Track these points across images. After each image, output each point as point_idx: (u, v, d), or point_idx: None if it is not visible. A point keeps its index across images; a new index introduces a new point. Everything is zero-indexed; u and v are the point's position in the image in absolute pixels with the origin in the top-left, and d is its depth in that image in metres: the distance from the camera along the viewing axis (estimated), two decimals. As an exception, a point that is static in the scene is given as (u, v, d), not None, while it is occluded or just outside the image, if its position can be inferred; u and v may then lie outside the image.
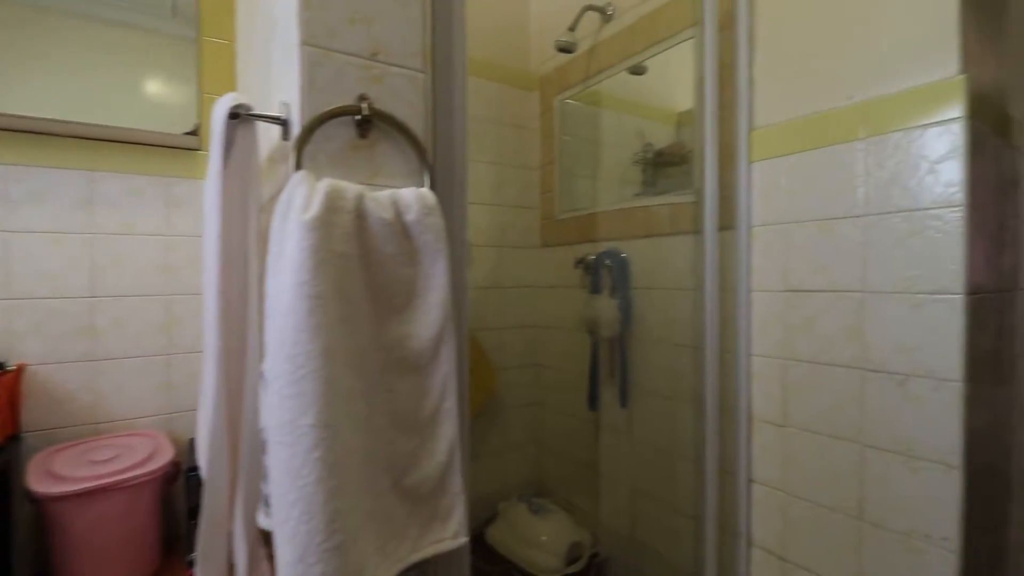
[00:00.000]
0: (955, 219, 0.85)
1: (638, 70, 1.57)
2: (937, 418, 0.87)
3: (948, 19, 0.87)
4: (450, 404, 0.58)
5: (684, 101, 1.43)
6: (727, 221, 1.18)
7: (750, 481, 1.17)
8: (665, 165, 1.62)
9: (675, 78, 1.46)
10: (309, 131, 0.54)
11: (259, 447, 0.51)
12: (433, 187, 0.61)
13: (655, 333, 1.41)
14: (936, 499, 0.88)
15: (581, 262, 1.60)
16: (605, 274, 1.49)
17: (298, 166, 0.52)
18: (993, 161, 0.95)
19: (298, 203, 0.49)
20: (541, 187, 1.86)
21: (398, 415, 0.56)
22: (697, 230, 1.22)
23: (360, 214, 0.53)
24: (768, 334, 1.12)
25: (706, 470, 1.20)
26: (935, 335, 0.87)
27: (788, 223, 1.08)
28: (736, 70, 1.17)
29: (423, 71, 0.64)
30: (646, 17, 1.44)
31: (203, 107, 1.34)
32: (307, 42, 0.56)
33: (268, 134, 0.65)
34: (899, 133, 0.91)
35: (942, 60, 0.87)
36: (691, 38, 1.32)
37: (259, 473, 0.51)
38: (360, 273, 0.53)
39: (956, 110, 0.84)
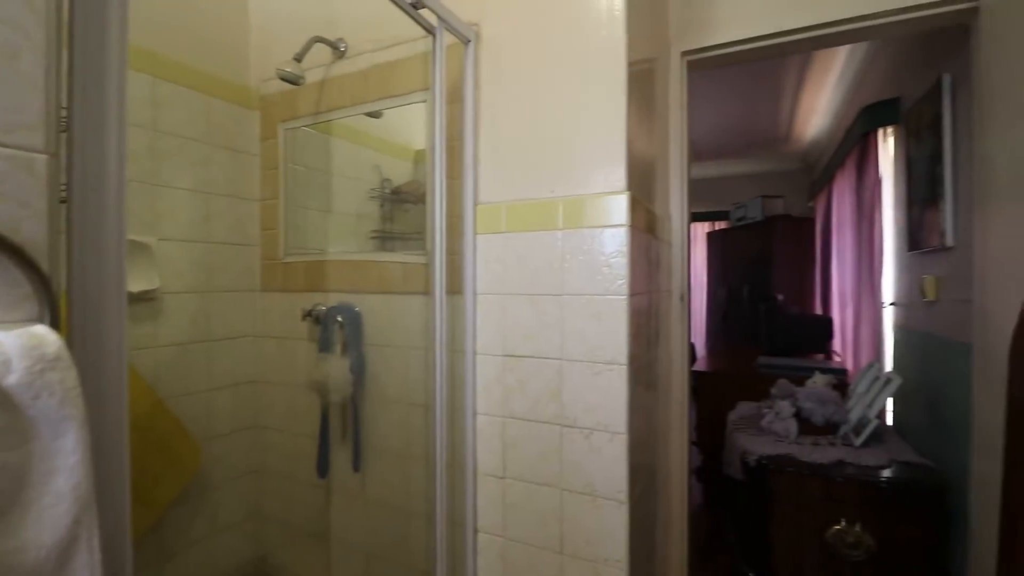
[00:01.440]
0: (621, 304, 1.06)
1: (374, 115, 1.53)
2: (611, 464, 1.08)
3: (618, 142, 1.08)
4: (90, 623, 0.43)
5: (421, 140, 1.44)
6: (455, 286, 1.23)
7: (476, 531, 1.24)
8: (403, 202, 1.62)
9: (412, 123, 1.46)
10: None
11: None
12: (59, 323, 0.44)
13: (389, 392, 1.38)
14: (611, 529, 1.08)
15: (310, 314, 1.46)
16: (336, 330, 1.39)
17: None
18: (645, 253, 1.23)
19: None
20: (263, 222, 1.64)
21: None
22: (428, 292, 1.24)
23: (-100, 394, 0.34)
24: (490, 394, 1.22)
25: (437, 525, 1.22)
26: (609, 397, 1.08)
27: (506, 294, 1.19)
28: (464, 144, 1.23)
29: (46, 151, 0.46)
30: (382, 67, 1.40)
31: None
32: None
33: None
34: (587, 230, 1.09)
35: (614, 176, 1.08)
36: (424, 101, 1.34)
37: None
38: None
39: (622, 218, 1.06)
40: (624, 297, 1.06)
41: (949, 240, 1.61)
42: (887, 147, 2.32)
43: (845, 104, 2.97)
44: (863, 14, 1.37)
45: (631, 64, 1.11)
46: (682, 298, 1.62)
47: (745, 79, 2.79)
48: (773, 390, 2.18)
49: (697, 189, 5.04)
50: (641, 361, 1.20)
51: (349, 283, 1.44)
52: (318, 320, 1.44)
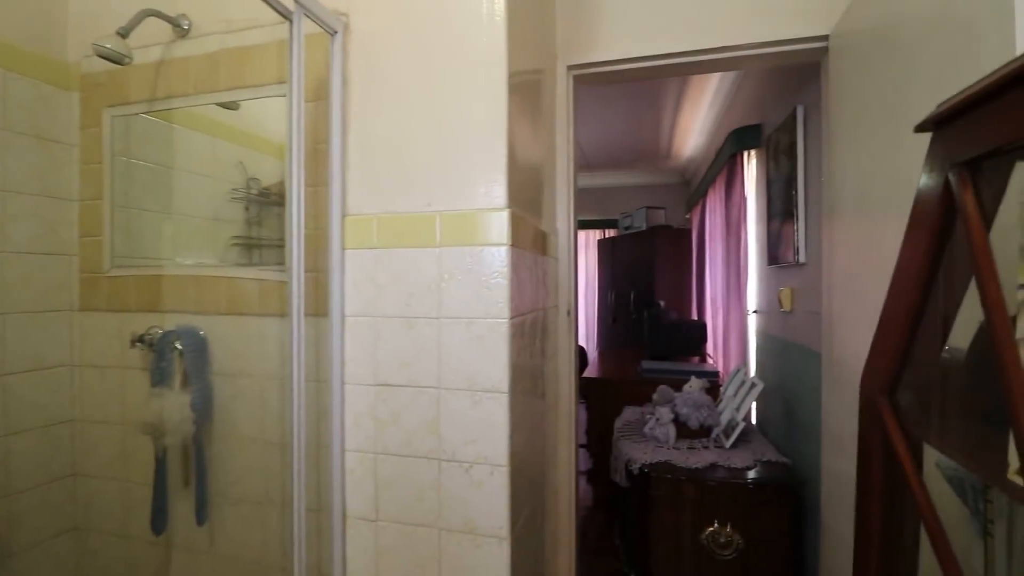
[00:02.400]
0: (502, 327, 1.00)
1: (230, 106, 1.32)
2: (493, 498, 1.01)
3: (499, 155, 1.01)
4: None
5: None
6: (320, 308, 1.09)
7: (346, 582, 1.11)
8: (273, 204, 1.43)
9: (280, 117, 1.28)
10: None
11: None
12: None
13: (241, 430, 1.19)
14: (493, 567, 1.01)
15: (142, 340, 1.22)
16: (175, 358, 1.18)
17: None
18: (530, 271, 1.18)
19: None
20: (83, 227, 1.35)
21: None
22: (286, 313, 1.09)
23: None
24: (361, 428, 1.09)
25: (299, 578, 1.07)
26: (490, 427, 1.01)
27: (379, 317, 1.07)
28: (330, 147, 1.09)
29: None
30: (233, 52, 1.21)
31: None
32: None
33: None
34: (467, 248, 1.01)
35: (495, 192, 1.01)
36: (284, 95, 1.18)
37: None
38: None
39: (503, 236, 0.99)
40: (505, 320, 0.99)
41: (802, 257, 1.77)
42: (751, 168, 2.53)
43: (716, 126, 3.22)
44: (727, 45, 1.45)
45: (514, 74, 1.05)
46: (569, 312, 1.61)
47: (630, 97, 2.90)
48: (654, 396, 2.27)
49: (589, 197, 5.25)
50: (526, 384, 1.14)
51: (193, 302, 1.23)
52: (152, 346, 1.21)
